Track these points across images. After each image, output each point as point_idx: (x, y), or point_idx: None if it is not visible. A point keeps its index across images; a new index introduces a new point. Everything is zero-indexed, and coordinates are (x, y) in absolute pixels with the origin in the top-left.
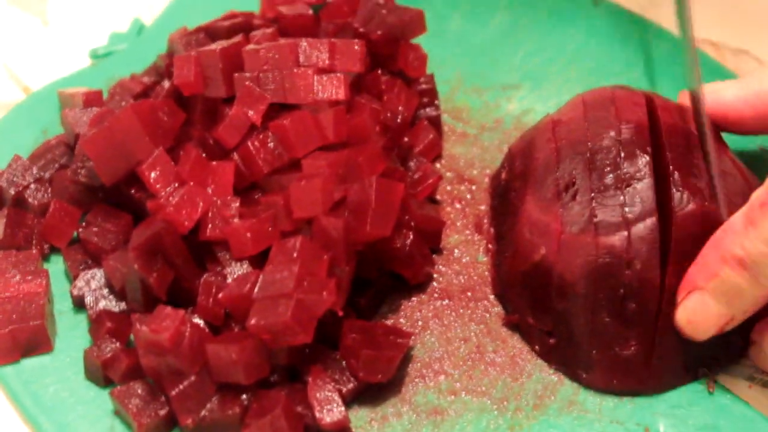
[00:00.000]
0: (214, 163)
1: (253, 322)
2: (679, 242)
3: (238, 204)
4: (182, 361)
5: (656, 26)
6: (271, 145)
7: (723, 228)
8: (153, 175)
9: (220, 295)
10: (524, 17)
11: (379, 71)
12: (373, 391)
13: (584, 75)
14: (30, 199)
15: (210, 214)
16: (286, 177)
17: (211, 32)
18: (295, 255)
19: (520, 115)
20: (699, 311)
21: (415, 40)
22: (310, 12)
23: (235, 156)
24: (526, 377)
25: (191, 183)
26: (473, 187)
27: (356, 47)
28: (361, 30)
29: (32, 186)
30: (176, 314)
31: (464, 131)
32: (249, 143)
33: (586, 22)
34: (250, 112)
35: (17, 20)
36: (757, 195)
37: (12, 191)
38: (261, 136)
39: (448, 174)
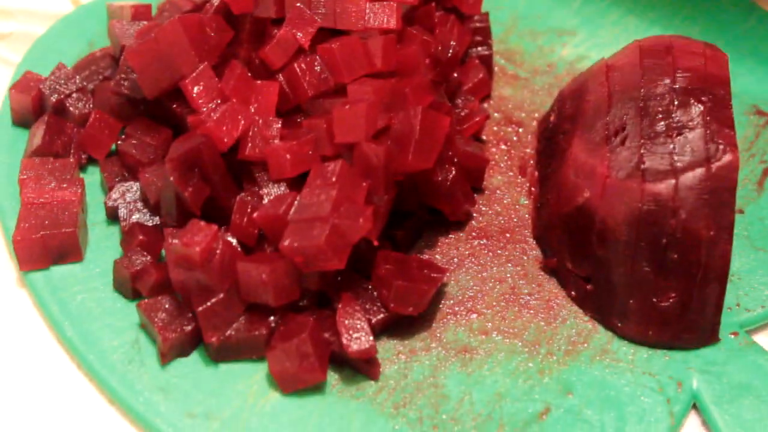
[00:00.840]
0: (258, 82)
1: (286, 243)
2: (716, 193)
3: (279, 125)
4: (211, 278)
5: None
6: (317, 68)
7: None
8: (196, 89)
9: (255, 215)
10: None
11: (433, 5)
12: (402, 325)
13: (643, 26)
14: (71, 108)
15: (251, 133)
16: (329, 101)
17: None
18: (333, 179)
19: (573, 61)
20: None
21: None
22: None
23: (281, 77)
24: (560, 322)
25: (234, 100)
26: (520, 130)
27: None
28: None
29: (74, 95)
30: (209, 229)
31: (515, 73)
32: (295, 65)
33: None
34: (299, 35)
35: None
36: None
37: (54, 98)
38: (308, 59)
39: (496, 115)
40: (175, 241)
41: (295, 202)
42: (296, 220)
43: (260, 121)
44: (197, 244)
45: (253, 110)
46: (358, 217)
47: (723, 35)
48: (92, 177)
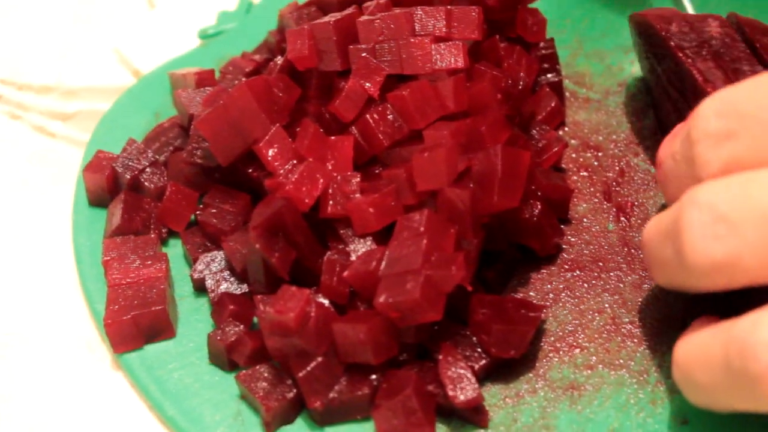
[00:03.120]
0: (332, 138)
1: (381, 300)
2: None
3: (359, 179)
4: (308, 342)
5: None
6: (390, 117)
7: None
8: (271, 152)
9: (345, 273)
10: None
11: (497, 37)
12: (505, 368)
13: None
14: (146, 183)
15: (330, 191)
16: (407, 149)
17: (322, 5)
18: (421, 229)
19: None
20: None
21: (532, 5)
22: None
23: (354, 130)
24: (667, 348)
25: (310, 159)
26: (599, 154)
27: (473, 14)
28: None
29: (148, 169)
30: (301, 294)
31: (587, 96)
32: (367, 116)
33: None
34: (367, 85)
35: (124, 3)
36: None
37: (128, 175)
38: (380, 109)
39: (573, 141)
40: (268, 309)
41: (385, 257)
42: (388, 275)
43: (339, 178)
44: (291, 311)
45: (330, 167)
46: (450, 265)
47: None
48: (175, 250)
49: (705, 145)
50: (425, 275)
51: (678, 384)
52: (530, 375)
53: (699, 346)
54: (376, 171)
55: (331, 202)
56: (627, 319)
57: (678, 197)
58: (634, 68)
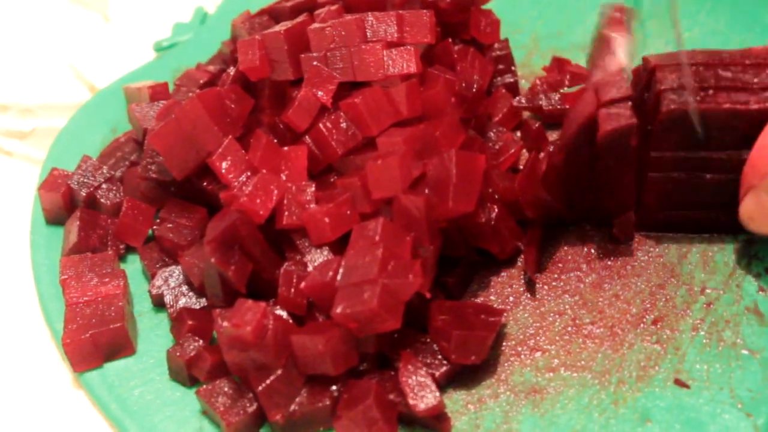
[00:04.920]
0: (286, 148)
1: (338, 311)
2: None
3: (313, 189)
4: (267, 355)
5: None
6: (343, 125)
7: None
8: (224, 165)
9: (302, 285)
10: None
11: (450, 40)
12: (467, 373)
13: (664, 30)
14: (102, 200)
15: (285, 201)
16: (361, 157)
17: (274, 14)
18: (377, 238)
19: None
20: (757, 209)
21: (486, 6)
22: None
23: (308, 139)
24: (627, 348)
25: (264, 170)
26: None
27: (425, 18)
28: None
29: (104, 186)
30: (257, 307)
31: None
32: (321, 125)
33: None
34: (320, 93)
35: (79, 19)
36: None
37: (83, 192)
38: (333, 117)
39: None
40: (225, 323)
41: (341, 267)
42: (345, 285)
43: (293, 188)
44: (248, 324)
45: (284, 177)
46: (407, 273)
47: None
48: (133, 266)
49: None
50: (382, 284)
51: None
52: (492, 380)
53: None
54: (331, 180)
55: (286, 213)
56: (588, 320)
57: None
58: None
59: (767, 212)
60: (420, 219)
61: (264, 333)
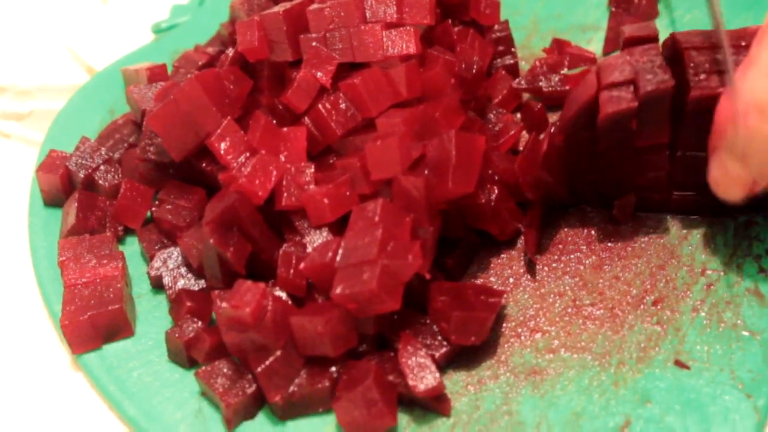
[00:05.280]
0: (285, 129)
1: (338, 291)
2: None
3: (312, 170)
4: (266, 336)
5: None
6: (342, 106)
7: (729, 87)
8: (223, 146)
9: (302, 266)
10: None
11: (450, 22)
12: (466, 354)
13: (668, 8)
14: (100, 181)
15: (284, 183)
16: (360, 138)
17: None
18: (376, 219)
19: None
20: (721, 173)
21: None
22: None
23: (307, 120)
24: (628, 329)
25: (263, 151)
26: None
27: None
28: None
29: (102, 167)
30: (257, 288)
31: None
32: (320, 106)
33: None
34: (319, 74)
35: (77, 1)
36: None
37: (82, 174)
38: (332, 98)
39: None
40: (224, 304)
41: (341, 248)
42: (344, 266)
43: (292, 169)
44: (247, 305)
45: (283, 159)
46: (407, 254)
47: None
48: (132, 247)
49: None
50: (382, 265)
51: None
52: (492, 361)
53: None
54: (331, 161)
55: (285, 194)
56: (588, 301)
57: None
58: (591, 47)
59: (729, 175)
60: (419, 200)
61: (263, 314)
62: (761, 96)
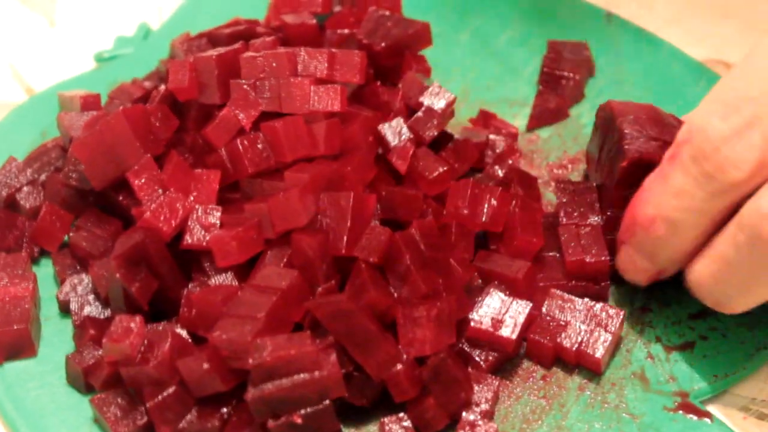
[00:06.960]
0: (198, 171)
1: (215, 334)
2: None
3: (219, 213)
4: (161, 372)
5: (669, 46)
6: (260, 146)
7: (641, 188)
8: (139, 181)
9: (192, 295)
10: (535, 31)
11: (378, 84)
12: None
13: (593, 93)
14: (22, 202)
15: (190, 222)
16: (269, 183)
17: (213, 38)
18: (283, 284)
19: (523, 134)
20: (628, 263)
21: (421, 52)
22: (314, 21)
23: (222, 151)
24: (515, 399)
25: (172, 189)
26: None
27: (356, 58)
28: (365, 41)
29: (25, 188)
30: (133, 321)
31: None
32: (237, 141)
33: (597, 37)
34: (241, 116)
35: (25, 20)
36: (668, 151)
37: (4, 193)
38: (251, 136)
39: None
40: (105, 339)
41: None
42: (231, 314)
43: (200, 209)
44: (125, 339)
45: (192, 198)
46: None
47: (675, 94)
48: (46, 270)
49: (728, 146)
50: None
51: (714, 304)
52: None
53: (713, 255)
54: (236, 197)
55: (188, 234)
56: None
57: (693, 243)
58: (516, 122)
59: (636, 266)
60: (314, 259)
61: (139, 347)
62: (669, 213)
